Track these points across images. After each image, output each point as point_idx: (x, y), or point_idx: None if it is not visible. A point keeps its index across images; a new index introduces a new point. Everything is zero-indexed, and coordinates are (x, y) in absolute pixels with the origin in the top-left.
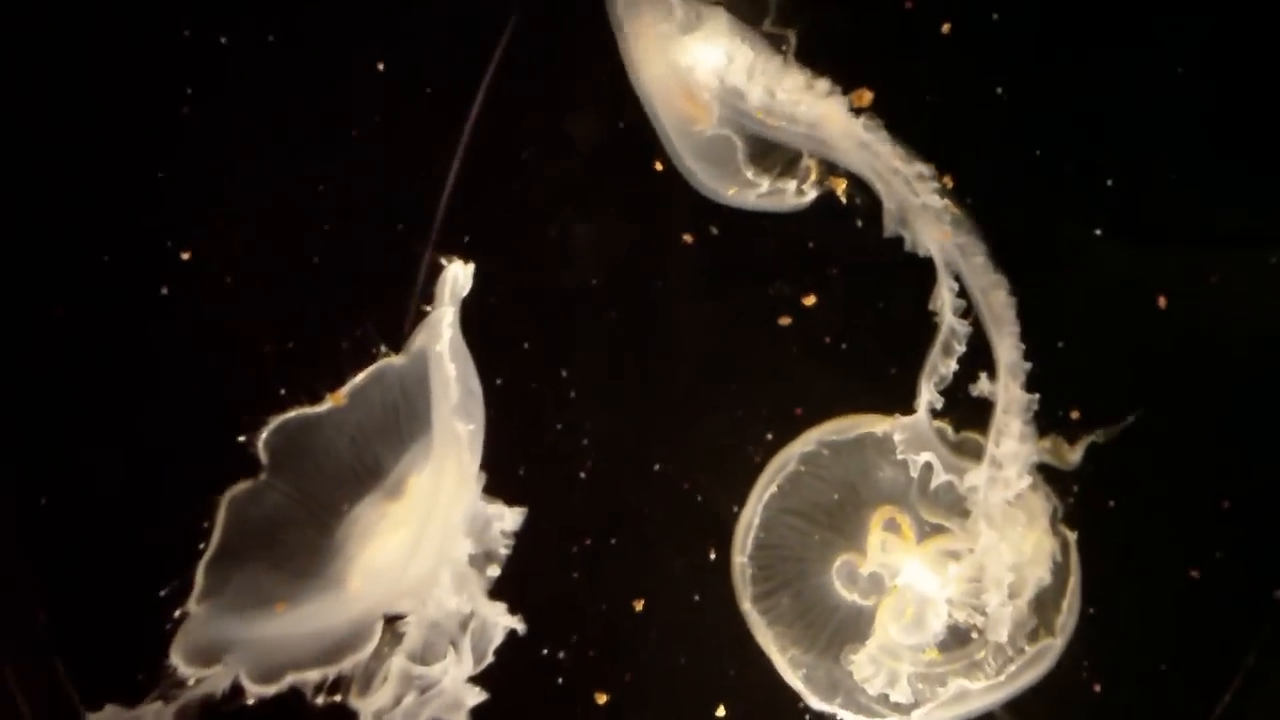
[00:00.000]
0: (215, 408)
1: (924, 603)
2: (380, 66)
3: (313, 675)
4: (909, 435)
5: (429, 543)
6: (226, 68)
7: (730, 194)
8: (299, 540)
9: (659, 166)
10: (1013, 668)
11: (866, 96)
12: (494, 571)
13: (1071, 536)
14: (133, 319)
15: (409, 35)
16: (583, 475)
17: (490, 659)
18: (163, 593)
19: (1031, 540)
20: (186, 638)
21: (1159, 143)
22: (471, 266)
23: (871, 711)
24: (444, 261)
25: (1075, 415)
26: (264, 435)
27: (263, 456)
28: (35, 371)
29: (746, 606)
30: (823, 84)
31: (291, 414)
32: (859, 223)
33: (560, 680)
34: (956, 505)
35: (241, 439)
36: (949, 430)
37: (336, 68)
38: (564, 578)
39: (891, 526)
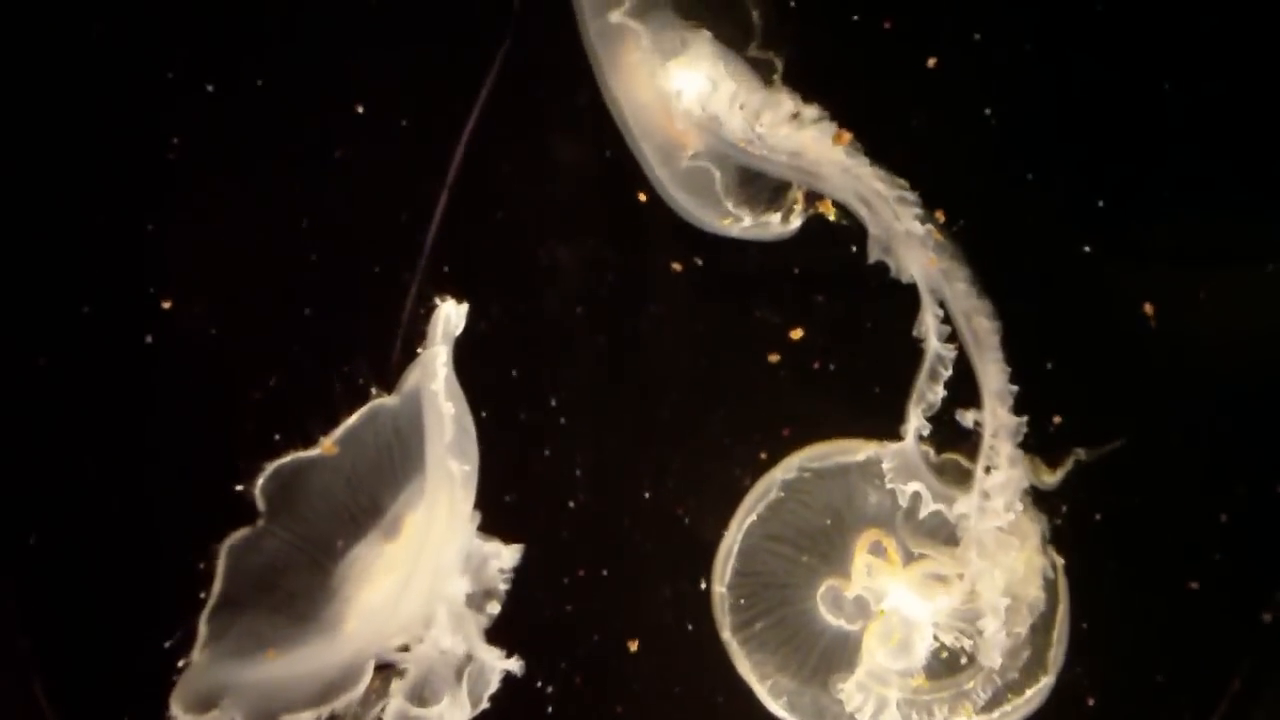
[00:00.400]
0: (208, 456)
1: (911, 627)
2: (359, 109)
3: (306, 716)
4: (898, 464)
5: (419, 582)
6: (207, 113)
7: (718, 223)
8: (298, 584)
9: (642, 197)
10: (1007, 707)
11: (845, 137)
12: (493, 609)
13: (1060, 562)
14: (117, 369)
15: (391, 71)
16: (572, 505)
17: (486, 704)
18: (167, 644)
19: (1023, 562)
20: (187, 686)
21: (1146, 160)
22: (465, 307)
23: None
24: (436, 300)
25: (1059, 431)
26: (260, 482)
27: (260, 503)
28: (20, 424)
29: (726, 636)
30: (808, 110)
31: (286, 459)
32: (844, 248)
33: (550, 711)
34: (943, 529)
35: (239, 487)
36: (932, 453)
37: (316, 107)
38: (555, 609)
39: (877, 550)
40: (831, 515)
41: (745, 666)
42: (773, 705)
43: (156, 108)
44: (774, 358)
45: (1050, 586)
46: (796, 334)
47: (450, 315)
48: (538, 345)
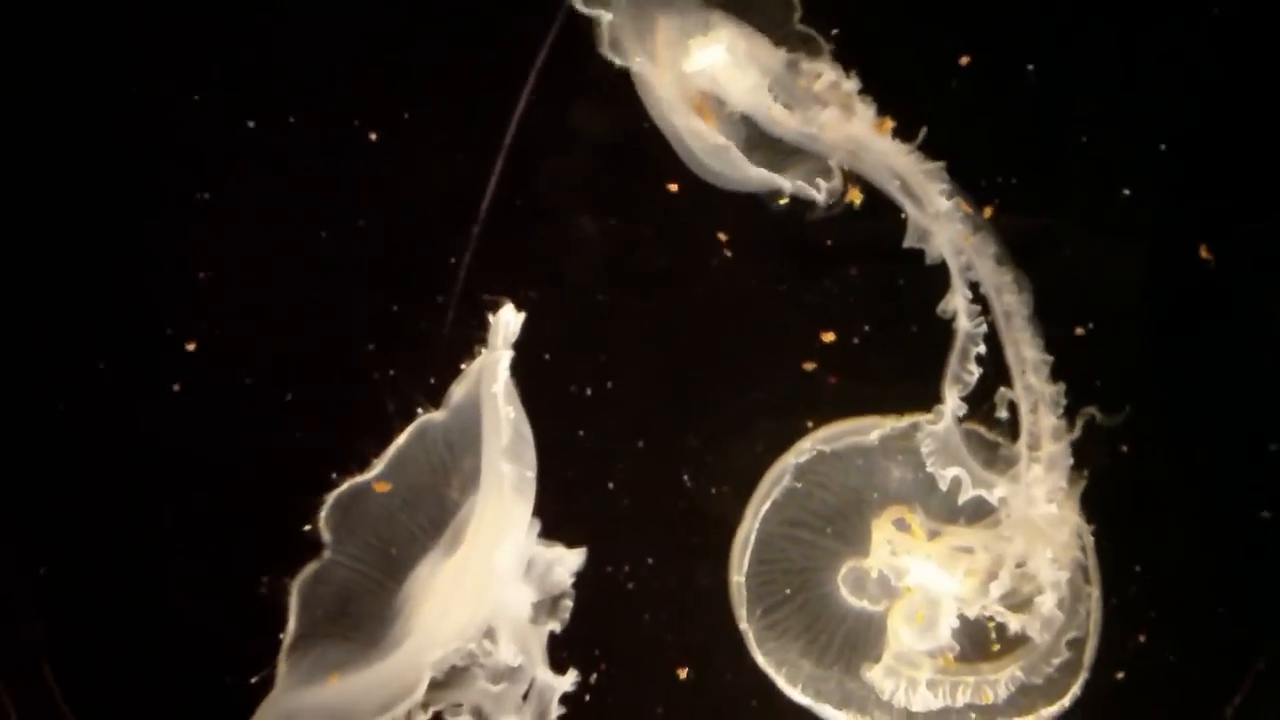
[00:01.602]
0: (266, 494)
1: (936, 604)
2: (406, 114)
3: None
4: (937, 446)
5: (471, 586)
6: (227, 139)
7: (755, 197)
8: (365, 610)
9: (673, 187)
10: (1045, 670)
11: (887, 125)
12: (564, 616)
13: (1090, 542)
14: (144, 423)
15: (422, 88)
16: (611, 485)
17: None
18: (254, 679)
19: (1063, 535)
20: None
21: (1175, 139)
22: (522, 315)
23: None
24: (487, 305)
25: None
26: (323, 514)
27: (325, 535)
28: (58, 483)
29: (744, 625)
30: (845, 84)
31: (344, 486)
32: (880, 224)
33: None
34: (970, 503)
35: (306, 527)
36: (976, 431)
37: (339, 123)
38: (598, 601)
39: (901, 526)
40: (850, 495)
41: (763, 655)
42: (795, 693)
43: (175, 146)
44: (802, 327)
45: (1083, 570)
46: (827, 332)
47: (508, 320)
48: (575, 334)
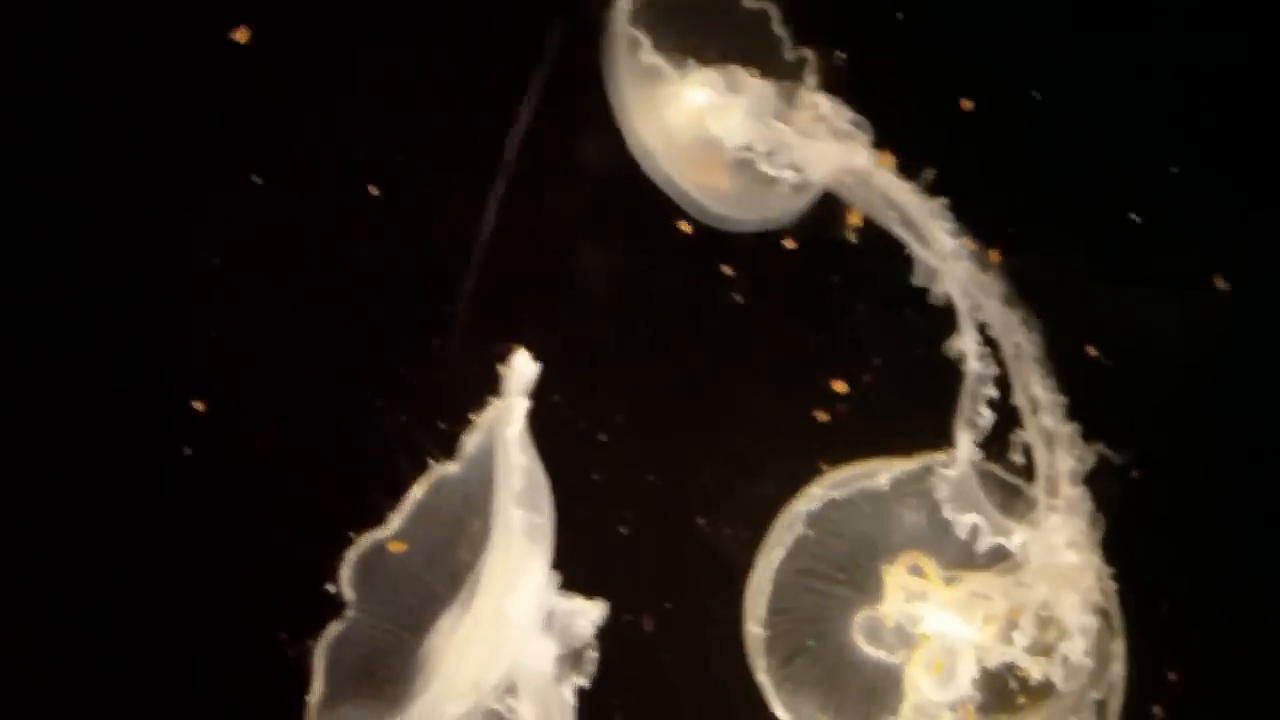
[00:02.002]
0: (281, 552)
1: (955, 653)
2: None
3: None
4: (953, 492)
5: (482, 637)
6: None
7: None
8: (390, 667)
9: (686, 228)
10: None
11: (888, 159)
12: (588, 669)
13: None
14: (152, 484)
15: (418, 126)
16: (624, 530)
17: None
18: None
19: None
20: None
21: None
22: (536, 366)
23: None
24: (500, 356)
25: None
26: (344, 573)
27: (347, 593)
28: (71, 546)
29: (763, 677)
30: (837, 116)
31: (363, 543)
32: (880, 262)
33: None
34: (989, 548)
35: (328, 586)
36: (991, 472)
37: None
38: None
39: (915, 572)
40: (863, 542)
41: (782, 708)
42: None
43: (176, 203)
44: (810, 368)
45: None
46: (838, 380)
47: (523, 367)
48: (580, 374)
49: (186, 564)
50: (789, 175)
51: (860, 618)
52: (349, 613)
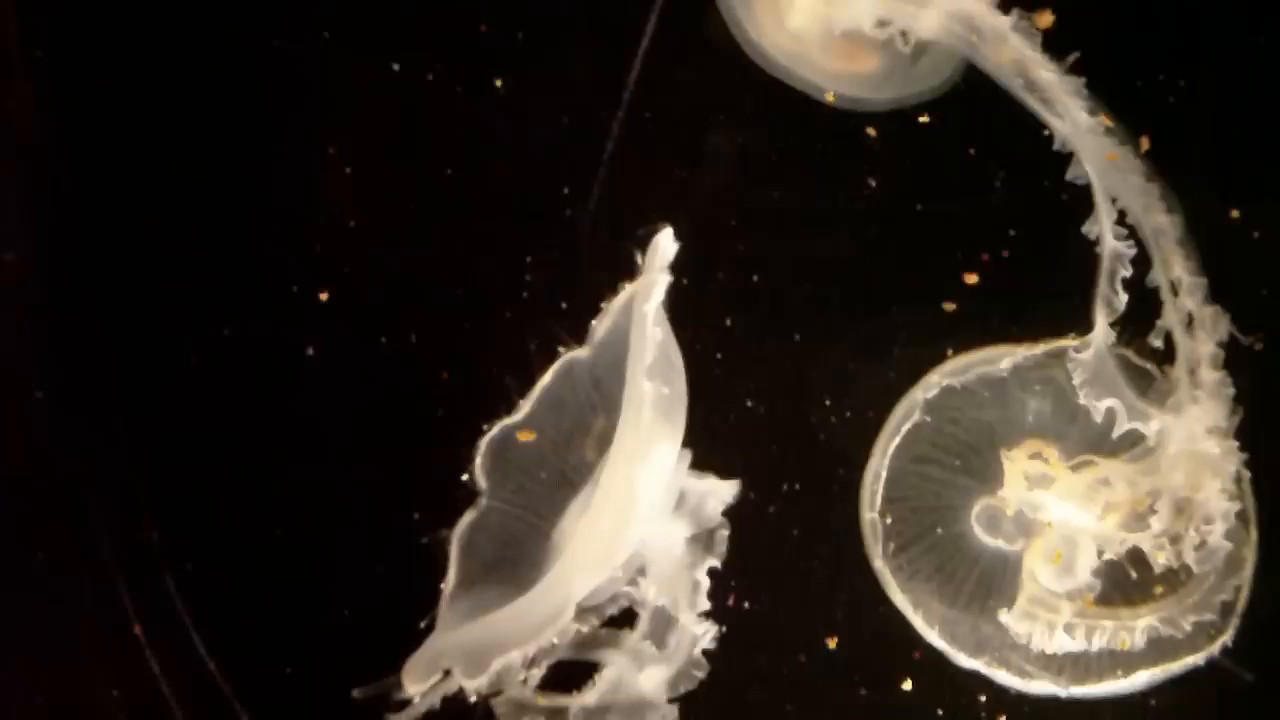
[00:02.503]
0: (416, 441)
1: (1074, 543)
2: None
3: (515, 656)
4: (1090, 375)
5: (610, 509)
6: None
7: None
8: (522, 553)
9: (871, 131)
10: (1190, 618)
11: (1047, 18)
12: (720, 549)
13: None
14: (283, 385)
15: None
16: (750, 403)
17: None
18: (423, 624)
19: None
20: (416, 664)
21: None
22: (677, 245)
23: (1022, 671)
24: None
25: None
26: (476, 461)
27: (480, 482)
28: (205, 450)
29: (879, 564)
30: None
31: (494, 430)
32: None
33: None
34: (1117, 433)
35: (463, 476)
36: (1127, 356)
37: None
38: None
39: (1037, 460)
40: (983, 429)
41: (899, 595)
42: (930, 635)
43: (303, 100)
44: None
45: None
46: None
47: (667, 244)
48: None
49: (322, 460)
50: (927, 43)
51: (979, 506)
52: (482, 500)
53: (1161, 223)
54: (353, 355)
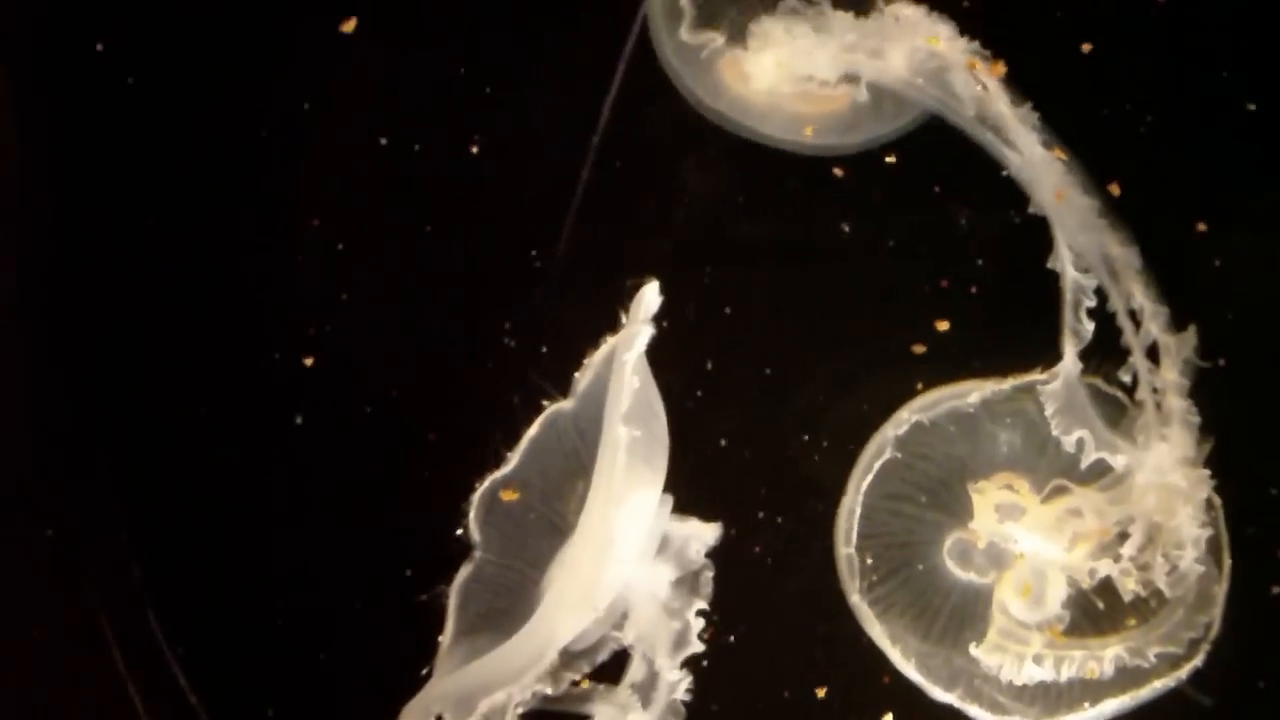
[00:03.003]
0: (406, 498)
1: (1045, 575)
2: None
3: (499, 697)
4: (1061, 406)
5: (589, 551)
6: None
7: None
8: (514, 602)
9: (839, 172)
10: (1157, 648)
11: (999, 69)
12: (705, 592)
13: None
14: (273, 451)
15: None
16: (724, 443)
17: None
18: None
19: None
20: (410, 712)
21: None
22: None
23: (995, 703)
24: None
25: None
26: (470, 515)
27: (474, 535)
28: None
29: (856, 599)
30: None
31: (484, 485)
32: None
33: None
34: (1082, 464)
35: (458, 531)
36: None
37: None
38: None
39: (1007, 493)
40: (954, 464)
41: (876, 630)
42: (907, 669)
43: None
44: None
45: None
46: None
47: (652, 297)
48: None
49: (314, 521)
50: (886, 88)
51: (951, 540)
52: (476, 553)
53: (1118, 254)
54: (340, 420)
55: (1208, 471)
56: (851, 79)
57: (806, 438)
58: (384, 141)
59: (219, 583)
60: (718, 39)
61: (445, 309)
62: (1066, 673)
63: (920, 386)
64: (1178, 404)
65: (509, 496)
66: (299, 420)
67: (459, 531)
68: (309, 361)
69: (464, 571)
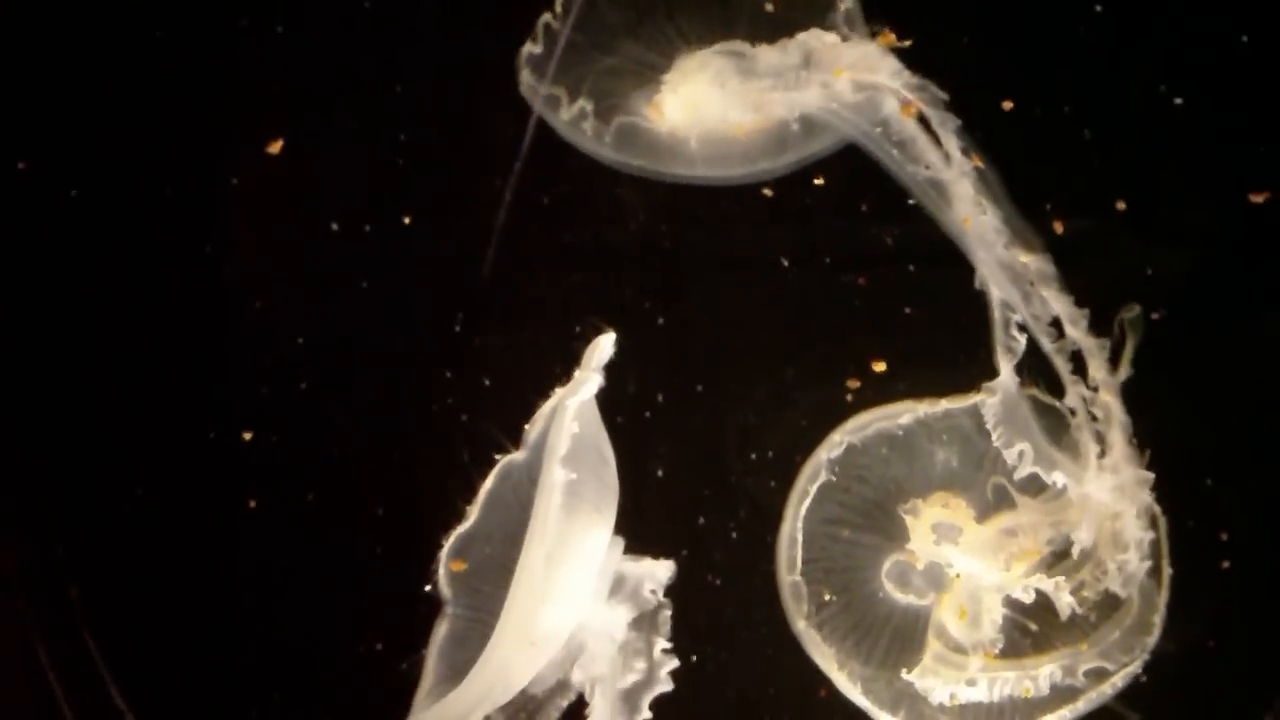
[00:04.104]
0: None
1: (981, 597)
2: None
3: None
4: (1003, 418)
5: (524, 593)
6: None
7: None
8: (479, 651)
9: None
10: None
11: (890, 37)
12: (663, 629)
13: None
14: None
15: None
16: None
17: None
18: None
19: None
20: None
21: None
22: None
23: None
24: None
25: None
26: (440, 573)
27: (444, 592)
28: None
29: (801, 625)
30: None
31: (449, 541)
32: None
33: None
34: (1020, 483)
35: (427, 588)
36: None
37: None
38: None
39: (943, 513)
40: (890, 486)
41: (821, 655)
42: (853, 693)
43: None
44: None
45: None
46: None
47: (604, 346)
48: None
49: (275, 590)
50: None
51: (889, 563)
52: (447, 609)
53: (1031, 263)
54: (291, 501)
55: (1149, 474)
56: (769, 109)
57: (754, 457)
58: (311, 213)
59: (191, 682)
60: (588, 108)
61: (388, 370)
62: (1000, 692)
63: (851, 400)
64: (1112, 406)
65: (458, 568)
66: (252, 505)
67: (428, 588)
68: (247, 436)
69: (439, 631)
